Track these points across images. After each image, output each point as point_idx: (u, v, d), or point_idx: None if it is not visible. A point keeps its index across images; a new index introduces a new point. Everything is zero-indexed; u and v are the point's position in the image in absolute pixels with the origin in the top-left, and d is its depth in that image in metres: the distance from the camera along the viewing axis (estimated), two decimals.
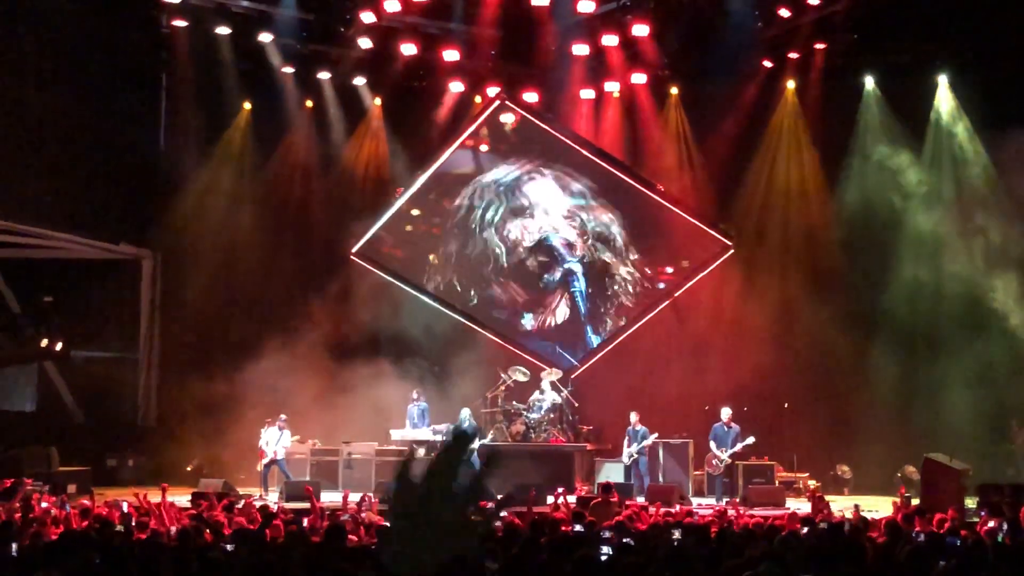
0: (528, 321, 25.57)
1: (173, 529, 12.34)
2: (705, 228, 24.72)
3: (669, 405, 23.27)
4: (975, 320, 22.19)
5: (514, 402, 23.24)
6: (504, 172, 25.81)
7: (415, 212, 26.15)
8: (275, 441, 21.71)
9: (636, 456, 21.62)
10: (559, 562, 8.70)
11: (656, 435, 21.78)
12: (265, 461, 21.68)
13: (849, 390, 23.38)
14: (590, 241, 25.39)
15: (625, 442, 21.83)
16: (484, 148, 26.02)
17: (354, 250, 25.78)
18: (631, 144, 25.75)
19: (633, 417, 21.83)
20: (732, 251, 24.51)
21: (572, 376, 24.48)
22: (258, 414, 22.72)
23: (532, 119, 25.54)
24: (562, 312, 25.57)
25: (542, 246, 25.57)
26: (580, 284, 25.41)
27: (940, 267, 22.83)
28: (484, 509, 14.47)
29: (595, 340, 25.30)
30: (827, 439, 23.23)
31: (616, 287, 25.32)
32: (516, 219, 25.69)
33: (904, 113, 23.77)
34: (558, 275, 25.50)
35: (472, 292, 25.90)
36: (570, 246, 25.44)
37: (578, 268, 25.42)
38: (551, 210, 25.58)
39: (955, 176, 23.47)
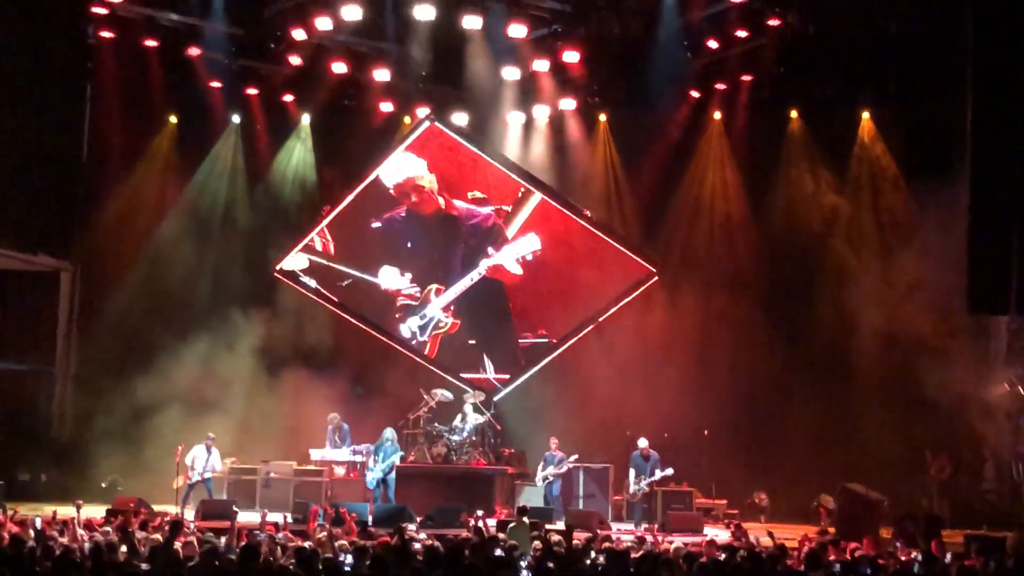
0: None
1: (87, 546, 12.05)
2: (631, 254, 24.74)
3: (591, 429, 23.33)
4: (890, 351, 22.45)
5: (436, 424, 23.09)
6: None
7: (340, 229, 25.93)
8: (204, 461, 21.39)
9: (551, 479, 21.81)
10: None
11: (576, 457, 21.92)
12: (191, 481, 21.34)
13: (768, 417, 23.60)
14: None
15: (540, 465, 22.01)
16: None
17: (278, 267, 25.52)
18: (559, 169, 25.87)
19: (552, 443, 22.05)
20: (656, 278, 24.54)
21: (495, 399, 24.40)
22: (176, 431, 22.48)
23: (461, 141, 25.45)
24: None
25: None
26: None
27: (858, 297, 23.00)
28: (403, 531, 14.28)
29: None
30: (745, 466, 23.27)
31: None
32: None
33: (827, 145, 24.13)
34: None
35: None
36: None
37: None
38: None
39: (874, 208, 23.82)
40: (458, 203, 25.28)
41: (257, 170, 26.56)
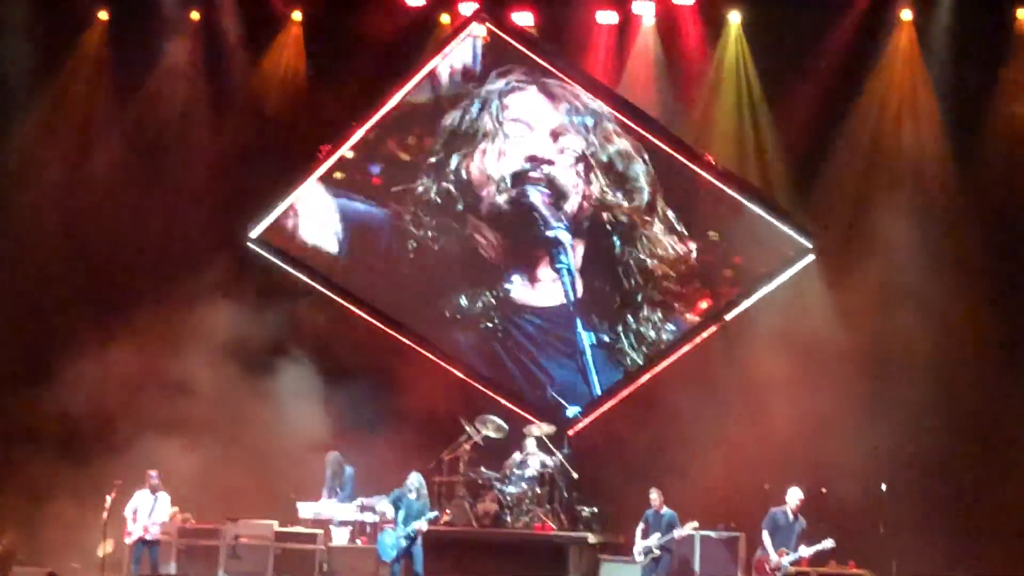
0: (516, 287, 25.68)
1: None
2: (773, 220, 24.59)
3: (711, 479, 23.09)
4: None
5: (483, 468, 23.18)
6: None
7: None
8: (147, 509, 21.36)
9: (658, 553, 21.19)
10: None
11: (695, 524, 21.37)
12: (132, 539, 21.35)
13: (978, 468, 23.14)
14: (596, 186, 25.25)
15: (639, 531, 21.53)
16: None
17: (253, 234, 25.77)
18: (668, 93, 25.72)
19: (655, 496, 21.56)
20: (811, 256, 24.43)
21: (571, 432, 24.44)
22: (104, 468, 22.62)
23: (526, 52, 25.63)
24: (550, 293, 25.55)
25: (517, 205, 25.56)
26: (567, 259, 25.41)
27: None
28: None
29: (587, 338, 25.06)
30: (941, 539, 22.59)
31: (635, 260, 25.15)
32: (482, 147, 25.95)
33: None
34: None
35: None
36: (556, 204, 25.38)
37: (566, 237, 25.33)
38: (537, 125, 25.62)
39: None
40: None
41: (225, 88, 26.86)
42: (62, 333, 25.11)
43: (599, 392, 25.14)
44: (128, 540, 21.32)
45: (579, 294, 25.30)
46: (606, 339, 25.11)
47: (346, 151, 26.06)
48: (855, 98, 24.90)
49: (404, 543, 20.77)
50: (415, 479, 21.17)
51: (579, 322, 25.18)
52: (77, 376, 24.03)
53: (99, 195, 25.90)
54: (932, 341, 23.48)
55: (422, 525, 20.73)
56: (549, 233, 25.41)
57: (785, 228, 24.56)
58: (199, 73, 26.81)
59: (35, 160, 26.12)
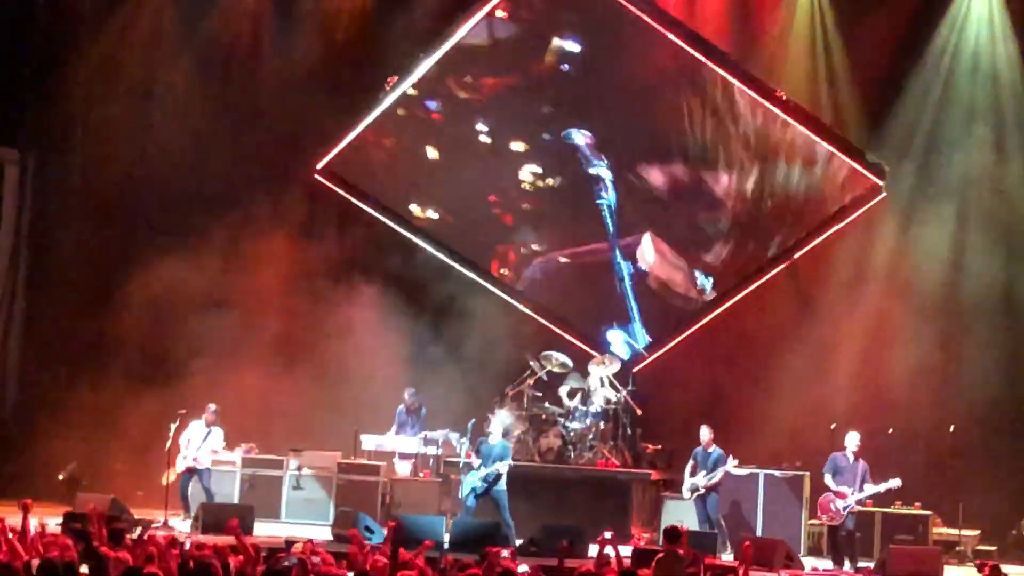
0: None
1: (34, 562, 12.36)
2: (845, 158, 24.64)
3: (776, 419, 23.39)
4: None
5: (547, 404, 23.27)
6: None
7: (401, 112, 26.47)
8: (199, 441, 21.72)
9: (703, 491, 21.52)
10: None
11: (736, 463, 21.67)
12: (180, 468, 21.72)
13: None
14: None
15: (688, 468, 21.74)
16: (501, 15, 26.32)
17: (319, 165, 25.89)
18: (739, 28, 25.60)
19: (704, 434, 21.76)
20: (883, 195, 24.38)
21: (635, 369, 24.46)
22: (168, 399, 22.99)
23: None
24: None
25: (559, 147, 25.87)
26: (607, 195, 25.78)
27: None
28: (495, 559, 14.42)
29: (626, 268, 25.45)
30: (1011, 482, 22.93)
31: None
32: None
33: None
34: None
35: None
36: (596, 144, 25.81)
37: (607, 175, 25.67)
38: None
39: None
40: None
41: (294, 18, 26.59)
42: (128, 259, 25.00)
43: (638, 319, 25.26)
44: (177, 470, 21.71)
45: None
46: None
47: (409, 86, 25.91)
48: (930, 32, 24.47)
49: (481, 485, 20.88)
50: (501, 419, 21.49)
51: (617, 253, 25.44)
52: (144, 304, 24.20)
53: (166, 119, 25.76)
54: (1009, 281, 23.56)
55: (502, 468, 20.78)
56: (591, 170, 25.60)
57: (857, 166, 24.41)
58: (265, 4, 26.30)
59: (102, 84, 25.85)
